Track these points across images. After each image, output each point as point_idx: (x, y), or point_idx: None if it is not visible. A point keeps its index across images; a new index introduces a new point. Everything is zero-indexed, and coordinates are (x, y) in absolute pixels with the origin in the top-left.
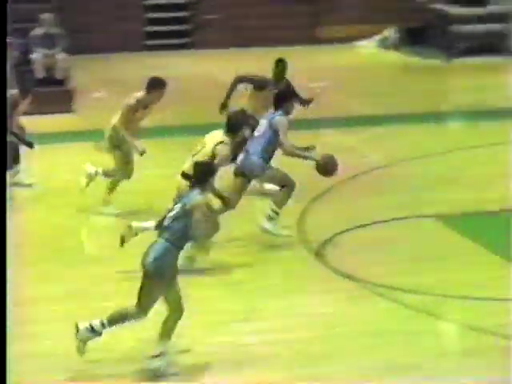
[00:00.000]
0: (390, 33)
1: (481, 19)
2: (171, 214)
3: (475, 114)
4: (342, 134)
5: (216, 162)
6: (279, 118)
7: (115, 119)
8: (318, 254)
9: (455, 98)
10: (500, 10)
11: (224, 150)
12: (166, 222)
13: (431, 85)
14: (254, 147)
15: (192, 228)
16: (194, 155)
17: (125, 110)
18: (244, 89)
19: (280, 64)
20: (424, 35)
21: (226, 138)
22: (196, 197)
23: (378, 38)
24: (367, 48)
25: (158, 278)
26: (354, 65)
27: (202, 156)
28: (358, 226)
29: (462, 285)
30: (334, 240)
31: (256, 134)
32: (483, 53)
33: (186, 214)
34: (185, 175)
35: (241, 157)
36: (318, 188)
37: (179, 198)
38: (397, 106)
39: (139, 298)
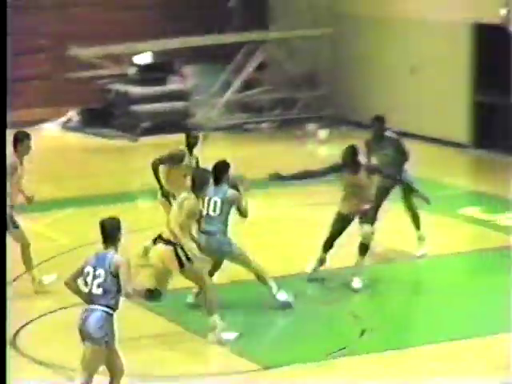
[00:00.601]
0: (73, 115)
1: (162, 98)
2: (97, 280)
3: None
4: (30, 219)
5: (185, 215)
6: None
7: None
8: (13, 344)
9: (143, 176)
10: (180, 88)
11: (191, 204)
12: (94, 291)
13: (119, 165)
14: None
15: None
16: None
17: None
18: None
19: None
20: (107, 116)
21: (191, 195)
22: (115, 257)
23: (61, 120)
24: (51, 131)
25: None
26: (39, 148)
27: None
28: (49, 313)
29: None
30: (27, 328)
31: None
32: (166, 130)
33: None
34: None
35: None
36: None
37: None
38: (85, 188)
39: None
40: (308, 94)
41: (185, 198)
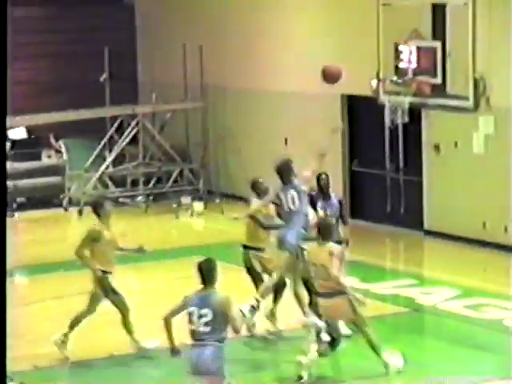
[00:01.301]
0: None
1: (37, 173)
2: (204, 319)
3: (38, 269)
4: None
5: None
6: None
7: None
8: None
9: (17, 252)
10: (54, 163)
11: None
12: (202, 329)
13: None
14: None
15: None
16: None
17: None
18: None
19: None
20: None
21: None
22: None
23: None
24: None
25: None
26: None
27: None
28: None
29: None
30: None
31: None
32: (42, 206)
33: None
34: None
35: None
36: None
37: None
38: None
39: None
40: (181, 167)
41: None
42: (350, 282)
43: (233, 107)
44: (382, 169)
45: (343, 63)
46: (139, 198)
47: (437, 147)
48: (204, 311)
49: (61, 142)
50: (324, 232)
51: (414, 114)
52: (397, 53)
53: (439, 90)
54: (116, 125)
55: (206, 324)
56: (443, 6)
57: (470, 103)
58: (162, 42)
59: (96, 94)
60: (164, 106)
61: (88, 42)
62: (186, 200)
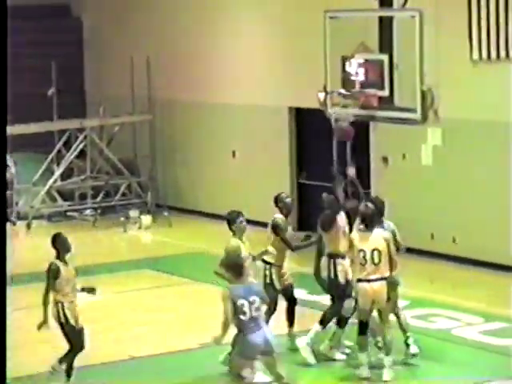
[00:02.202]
0: None
1: None
2: (254, 306)
3: None
4: None
5: None
6: None
7: None
8: None
9: None
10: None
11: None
12: (254, 315)
13: None
14: None
15: None
16: None
17: None
18: None
19: None
20: None
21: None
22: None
23: None
24: None
25: None
26: None
27: None
28: None
29: None
30: None
31: None
32: None
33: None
34: None
35: None
36: None
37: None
38: None
39: None
40: (129, 181)
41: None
42: (299, 293)
43: (181, 120)
44: (330, 181)
45: (290, 76)
46: (87, 212)
47: (385, 159)
48: (252, 299)
49: (8, 156)
50: (368, 219)
51: (362, 126)
52: (344, 65)
53: (387, 103)
54: (64, 138)
55: (256, 309)
56: (390, 19)
57: (418, 115)
58: (109, 55)
59: (44, 107)
60: (112, 119)
61: (35, 56)
62: (134, 213)
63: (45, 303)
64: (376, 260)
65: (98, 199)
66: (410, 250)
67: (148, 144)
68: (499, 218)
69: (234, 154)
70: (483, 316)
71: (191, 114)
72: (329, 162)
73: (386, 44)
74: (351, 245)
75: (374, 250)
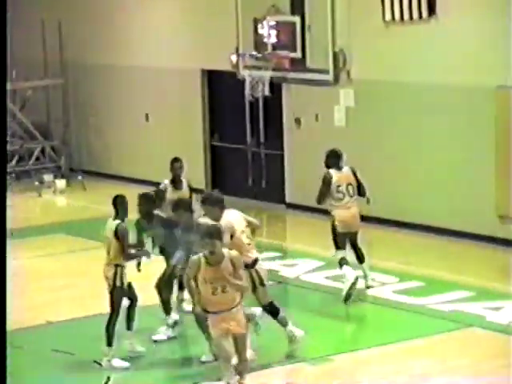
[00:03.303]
0: None
1: None
2: None
3: None
4: None
5: None
6: None
7: None
8: None
9: None
10: None
11: None
12: None
13: None
14: None
15: None
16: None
17: None
18: None
19: None
20: None
21: None
22: None
23: None
24: None
25: None
26: None
27: None
28: None
29: None
30: None
31: None
32: None
33: None
34: None
35: None
36: None
37: None
38: None
39: None
40: (43, 145)
41: None
42: None
43: (93, 83)
44: (242, 143)
45: (202, 39)
46: None
47: (297, 120)
48: None
49: None
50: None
51: (275, 87)
52: (256, 27)
53: (299, 64)
54: None
55: None
56: None
57: (330, 77)
58: (20, 18)
59: None
60: (24, 83)
61: None
62: (48, 177)
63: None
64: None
65: (12, 164)
66: (323, 211)
67: (61, 108)
68: (411, 177)
69: (147, 117)
70: (397, 275)
71: (104, 78)
72: (241, 124)
73: (297, 6)
74: None
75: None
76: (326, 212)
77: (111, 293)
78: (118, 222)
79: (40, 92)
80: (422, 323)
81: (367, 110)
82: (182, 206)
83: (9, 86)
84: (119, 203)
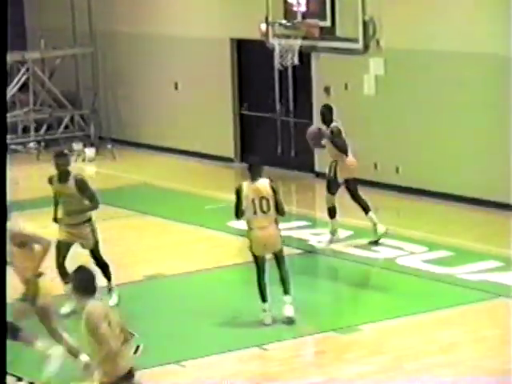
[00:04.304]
0: None
1: None
2: None
3: None
4: None
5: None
6: None
7: None
8: None
9: None
10: None
11: None
12: None
13: None
14: None
15: None
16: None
17: None
18: None
19: None
20: None
21: None
22: None
23: None
24: None
25: None
26: None
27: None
28: None
29: None
30: None
31: None
32: None
33: None
34: None
35: None
36: None
37: None
38: None
39: None
40: (72, 113)
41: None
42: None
43: (123, 52)
44: (272, 112)
45: (232, 7)
46: (31, 145)
47: (327, 89)
48: None
49: None
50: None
51: (304, 56)
52: None
53: (329, 33)
54: None
55: None
56: None
57: (360, 45)
58: None
59: None
60: (53, 51)
61: None
62: (77, 146)
63: None
64: None
65: (41, 132)
66: (353, 181)
67: (90, 76)
68: (441, 146)
69: (176, 85)
70: (426, 245)
71: (133, 46)
72: (270, 93)
73: None
74: None
75: None
76: (357, 181)
77: None
78: None
79: (69, 61)
80: (450, 293)
81: (397, 79)
82: None
83: (38, 55)
84: None
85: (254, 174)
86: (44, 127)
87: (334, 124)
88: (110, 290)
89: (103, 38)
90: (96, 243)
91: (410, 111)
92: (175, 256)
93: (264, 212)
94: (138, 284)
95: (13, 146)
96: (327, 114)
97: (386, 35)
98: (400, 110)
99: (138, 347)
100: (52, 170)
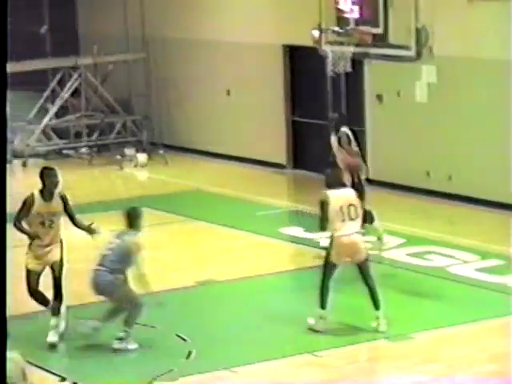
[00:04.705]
0: None
1: None
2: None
3: None
4: None
5: None
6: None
7: None
8: None
9: None
10: None
11: None
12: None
13: None
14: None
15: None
16: None
17: None
18: None
19: None
20: None
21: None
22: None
23: None
24: None
25: None
26: None
27: None
28: None
29: None
30: None
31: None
32: None
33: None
34: None
35: None
36: None
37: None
38: None
39: None
40: (124, 119)
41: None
42: (294, 231)
43: (175, 58)
44: (324, 119)
45: (284, 14)
46: (83, 150)
47: (379, 97)
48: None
49: None
50: None
51: (357, 63)
52: (338, 3)
53: (381, 40)
54: (58, 77)
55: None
56: None
57: (412, 53)
58: None
59: (37, 45)
60: (106, 57)
61: None
62: (129, 151)
63: None
64: None
65: (94, 137)
66: (406, 188)
67: (142, 82)
68: (494, 154)
69: (228, 92)
70: (479, 253)
71: (186, 52)
72: (322, 100)
73: None
74: None
75: None
76: (409, 189)
77: None
78: None
79: (121, 66)
80: (503, 302)
81: (449, 87)
82: None
83: (90, 60)
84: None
85: (334, 183)
86: (96, 132)
87: (343, 129)
88: (58, 310)
89: (156, 44)
90: (62, 260)
91: (462, 119)
92: (227, 262)
93: (352, 219)
94: (189, 290)
95: (65, 151)
96: (338, 121)
97: (439, 42)
98: (452, 118)
99: (190, 353)
100: (103, 175)
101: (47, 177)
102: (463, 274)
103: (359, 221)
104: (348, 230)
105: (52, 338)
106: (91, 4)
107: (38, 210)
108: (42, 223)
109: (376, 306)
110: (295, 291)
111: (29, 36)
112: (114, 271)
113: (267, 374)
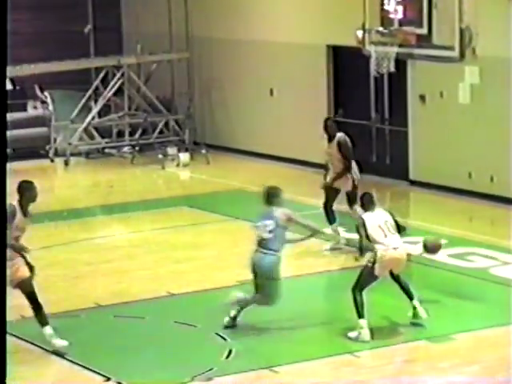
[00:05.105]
0: None
1: (22, 124)
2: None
3: None
4: None
5: None
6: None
7: None
8: None
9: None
10: (40, 114)
11: None
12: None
13: None
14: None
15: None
16: None
17: None
18: None
19: None
20: None
21: None
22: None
23: None
24: None
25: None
26: None
27: None
28: None
29: None
30: None
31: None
32: (28, 157)
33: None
34: None
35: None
36: None
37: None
38: None
39: None
40: (167, 118)
41: None
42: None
43: (218, 57)
44: (367, 119)
45: (328, 14)
46: (125, 149)
47: (422, 97)
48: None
49: (46, 93)
50: None
51: (400, 64)
52: (383, 3)
53: (425, 41)
54: (101, 76)
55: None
56: None
57: (456, 53)
58: None
59: (81, 44)
60: (149, 57)
61: None
62: (172, 150)
63: None
64: None
65: (136, 136)
66: (448, 189)
67: (185, 82)
68: None
69: (271, 91)
70: None
71: (229, 52)
72: (365, 100)
73: None
74: None
75: None
76: (451, 190)
77: None
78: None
79: (165, 66)
80: None
81: (492, 88)
82: None
83: (134, 60)
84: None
85: (372, 205)
86: (139, 132)
87: (340, 134)
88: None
89: (199, 44)
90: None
91: (505, 120)
92: None
93: (393, 233)
94: (231, 289)
95: (107, 150)
96: (332, 126)
97: (482, 43)
98: (495, 119)
99: (230, 351)
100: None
101: (26, 190)
102: (504, 275)
103: (397, 234)
104: (394, 244)
105: (60, 341)
106: (135, 3)
107: (17, 223)
108: (17, 238)
109: (410, 296)
110: (336, 291)
111: (73, 35)
112: (277, 251)
113: (307, 374)
